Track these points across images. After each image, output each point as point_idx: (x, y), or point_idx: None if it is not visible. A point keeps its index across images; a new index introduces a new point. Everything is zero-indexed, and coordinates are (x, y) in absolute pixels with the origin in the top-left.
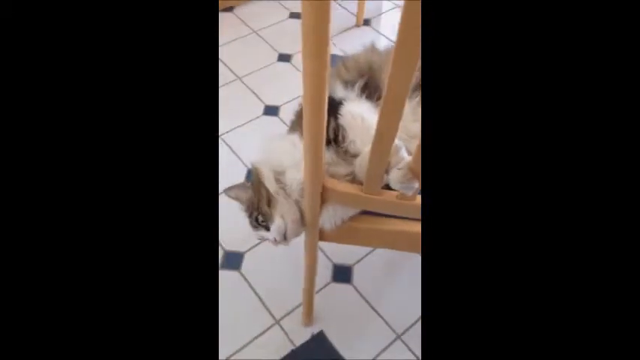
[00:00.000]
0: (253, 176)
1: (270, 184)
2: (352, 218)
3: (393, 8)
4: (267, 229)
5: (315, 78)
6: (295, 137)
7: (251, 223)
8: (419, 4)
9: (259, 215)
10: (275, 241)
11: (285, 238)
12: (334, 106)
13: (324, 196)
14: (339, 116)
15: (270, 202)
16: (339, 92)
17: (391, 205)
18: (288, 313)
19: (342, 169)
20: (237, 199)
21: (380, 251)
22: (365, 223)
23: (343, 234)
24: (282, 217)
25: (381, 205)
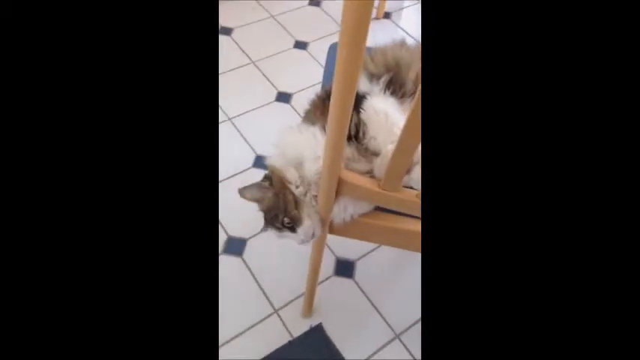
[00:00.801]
0: (275, 179)
1: (294, 187)
2: (364, 214)
3: (415, 4)
4: (294, 230)
5: (349, 65)
6: (316, 129)
7: (273, 225)
8: None
9: (286, 218)
10: (301, 242)
11: (313, 237)
12: (357, 100)
13: (339, 189)
14: (361, 111)
15: (297, 205)
16: (363, 85)
17: (408, 204)
18: (288, 303)
19: (362, 166)
20: (254, 200)
21: (384, 248)
22: (377, 220)
23: (354, 229)
24: (309, 217)
25: (398, 203)
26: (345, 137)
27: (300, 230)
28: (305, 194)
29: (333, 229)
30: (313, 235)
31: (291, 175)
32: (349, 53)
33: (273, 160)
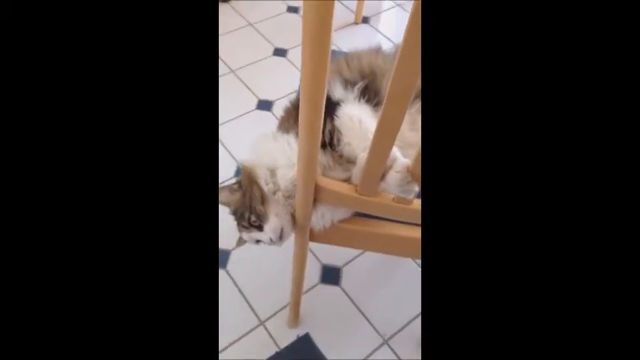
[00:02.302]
0: (243, 175)
1: (264, 183)
2: (344, 220)
3: (393, 7)
4: (261, 228)
5: (314, 68)
6: (291, 137)
7: (241, 225)
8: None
9: (252, 215)
10: (270, 241)
11: (280, 237)
12: (331, 107)
13: (316, 196)
14: (335, 118)
15: (264, 200)
16: (338, 92)
17: (386, 208)
18: (274, 314)
19: (339, 174)
20: (223, 203)
21: (370, 253)
22: (358, 225)
23: (334, 235)
24: (276, 215)
25: (376, 207)
26: (319, 142)
27: (266, 228)
28: (274, 193)
29: (313, 237)
30: (282, 234)
31: (261, 171)
32: (312, 55)
33: (247, 158)
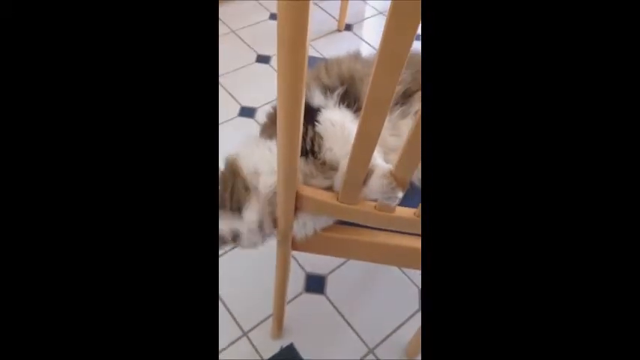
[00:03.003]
0: (228, 166)
1: (247, 170)
2: (327, 228)
3: (376, 15)
4: (240, 214)
5: (291, 72)
6: (272, 144)
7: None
8: (404, 7)
9: (232, 201)
10: (249, 235)
11: (260, 229)
12: (312, 113)
13: (298, 204)
14: (316, 124)
15: (247, 189)
16: (318, 99)
17: (368, 216)
18: (257, 325)
19: (321, 182)
20: None
21: (355, 260)
22: (340, 234)
23: (317, 244)
24: (257, 206)
25: (358, 215)
26: (298, 149)
27: (246, 215)
28: (257, 186)
29: (296, 246)
30: (262, 227)
31: (245, 164)
32: (288, 59)
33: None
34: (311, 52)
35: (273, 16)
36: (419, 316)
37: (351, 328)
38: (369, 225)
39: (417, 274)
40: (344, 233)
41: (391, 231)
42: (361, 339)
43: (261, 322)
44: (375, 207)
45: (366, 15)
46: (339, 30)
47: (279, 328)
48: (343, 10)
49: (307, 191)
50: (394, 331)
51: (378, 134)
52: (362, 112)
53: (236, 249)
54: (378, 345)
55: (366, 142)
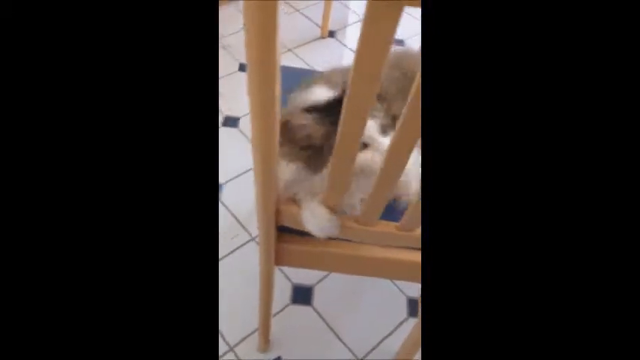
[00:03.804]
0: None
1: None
2: (309, 242)
3: (359, 21)
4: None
5: (261, 86)
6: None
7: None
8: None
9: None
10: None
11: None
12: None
13: (279, 220)
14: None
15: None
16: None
17: (350, 231)
18: (244, 339)
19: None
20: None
21: None
22: (323, 247)
23: (299, 258)
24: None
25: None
26: (275, 162)
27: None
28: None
29: (279, 261)
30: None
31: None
32: (258, 62)
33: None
34: (294, 59)
35: None
36: (407, 324)
37: (339, 338)
38: (350, 239)
39: (404, 282)
40: (327, 247)
41: (376, 245)
42: (349, 349)
43: (248, 335)
44: (355, 220)
45: (350, 21)
46: (322, 37)
47: (265, 342)
48: (326, 16)
49: (287, 207)
50: (383, 340)
51: (358, 143)
52: (340, 124)
53: (220, 262)
54: (366, 355)
55: (346, 151)
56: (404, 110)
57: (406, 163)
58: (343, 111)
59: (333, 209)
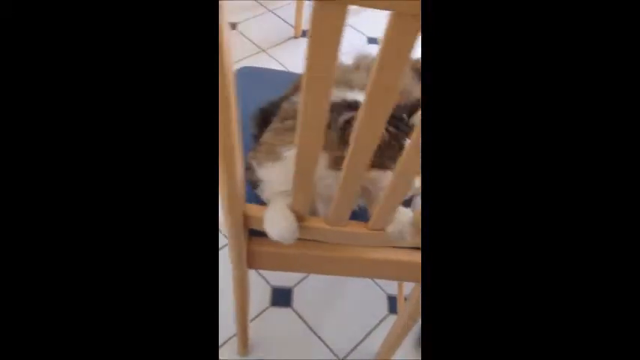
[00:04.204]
0: None
1: None
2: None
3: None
4: None
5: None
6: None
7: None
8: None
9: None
10: None
11: None
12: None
13: (248, 224)
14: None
15: None
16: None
17: (321, 232)
18: (223, 343)
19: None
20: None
21: None
22: (295, 249)
23: (273, 261)
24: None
25: (310, 231)
26: (240, 170)
27: None
28: None
29: (252, 264)
30: None
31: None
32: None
33: None
34: (269, 60)
35: (233, 26)
36: (388, 321)
37: (320, 339)
38: (321, 240)
39: (384, 280)
40: (301, 249)
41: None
42: (331, 350)
43: (228, 339)
44: (325, 222)
45: None
46: (295, 37)
47: (243, 346)
48: (298, 15)
49: (254, 210)
50: (364, 338)
51: (317, 154)
52: (298, 128)
53: None
54: (348, 354)
55: (305, 160)
56: (360, 119)
57: (365, 167)
58: (300, 116)
59: (299, 213)
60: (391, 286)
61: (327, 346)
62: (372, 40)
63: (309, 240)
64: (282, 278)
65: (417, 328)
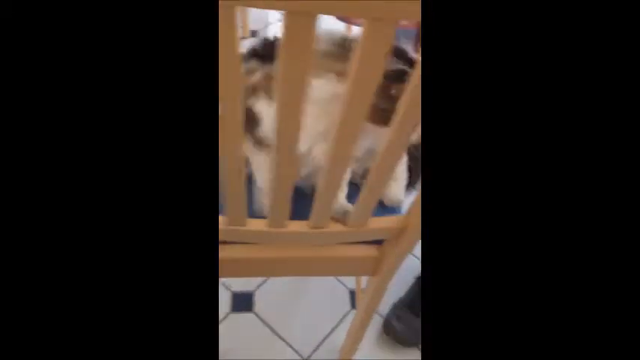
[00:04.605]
0: None
1: None
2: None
3: (281, 20)
4: None
5: None
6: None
7: None
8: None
9: None
10: None
11: None
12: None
13: None
14: None
15: None
16: None
17: (260, 235)
18: None
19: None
20: None
21: None
22: (246, 253)
23: (228, 268)
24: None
25: (248, 235)
26: None
27: None
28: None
29: None
30: None
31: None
32: None
33: None
34: None
35: None
36: (350, 316)
37: (284, 341)
38: (264, 243)
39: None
40: (252, 253)
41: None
42: (295, 351)
43: None
44: (266, 225)
45: (270, 20)
46: (244, 37)
47: None
48: (243, 16)
49: None
50: (327, 335)
51: (295, 146)
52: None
53: None
54: (312, 353)
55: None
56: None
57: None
58: (277, 114)
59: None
60: (352, 281)
61: (292, 347)
62: None
63: (258, 243)
64: (243, 283)
65: (378, 322)
